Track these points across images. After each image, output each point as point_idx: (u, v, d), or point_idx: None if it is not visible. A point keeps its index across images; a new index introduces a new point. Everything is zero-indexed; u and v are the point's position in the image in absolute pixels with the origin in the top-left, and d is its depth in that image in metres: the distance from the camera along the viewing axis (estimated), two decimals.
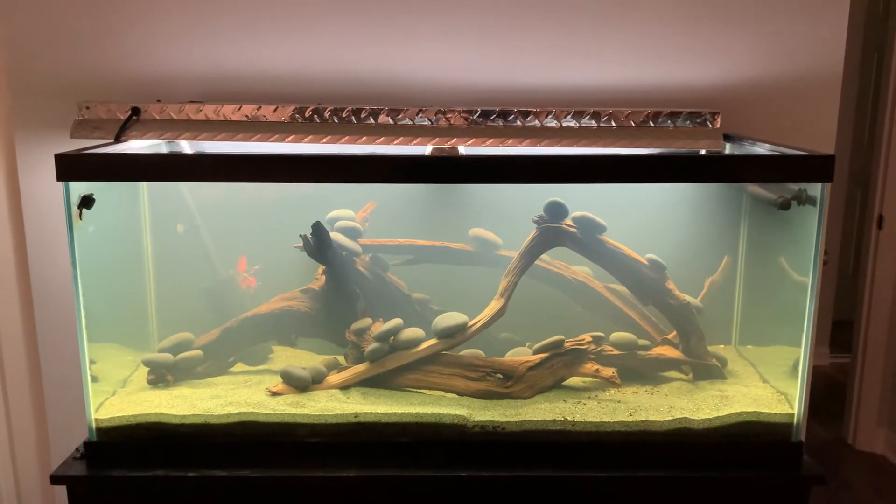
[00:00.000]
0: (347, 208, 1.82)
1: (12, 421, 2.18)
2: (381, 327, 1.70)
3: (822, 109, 1.95)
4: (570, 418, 1.59)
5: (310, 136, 1.69)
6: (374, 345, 1.68)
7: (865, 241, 3.36)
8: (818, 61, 1.93)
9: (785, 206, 1.58)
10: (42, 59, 1.89)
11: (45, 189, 1.94)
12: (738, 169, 1.55)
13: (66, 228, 1.50)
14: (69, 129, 1.71)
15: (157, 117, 1.71)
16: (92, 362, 1.59)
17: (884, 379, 3.31)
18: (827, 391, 3.92)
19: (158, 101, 1.77)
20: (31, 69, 1.89)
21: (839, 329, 4.25)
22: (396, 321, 1.69)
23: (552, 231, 1.71)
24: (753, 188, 1.78)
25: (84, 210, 1.51)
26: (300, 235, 1.72)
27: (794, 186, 1.56)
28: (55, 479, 1.56)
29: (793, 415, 1.59)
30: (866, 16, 4.14)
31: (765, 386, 1.72)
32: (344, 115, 1.70)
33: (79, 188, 1.50)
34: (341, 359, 1.77)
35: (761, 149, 1.67)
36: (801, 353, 1.57)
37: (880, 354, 3.30)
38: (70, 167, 1.47)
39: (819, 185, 1.49)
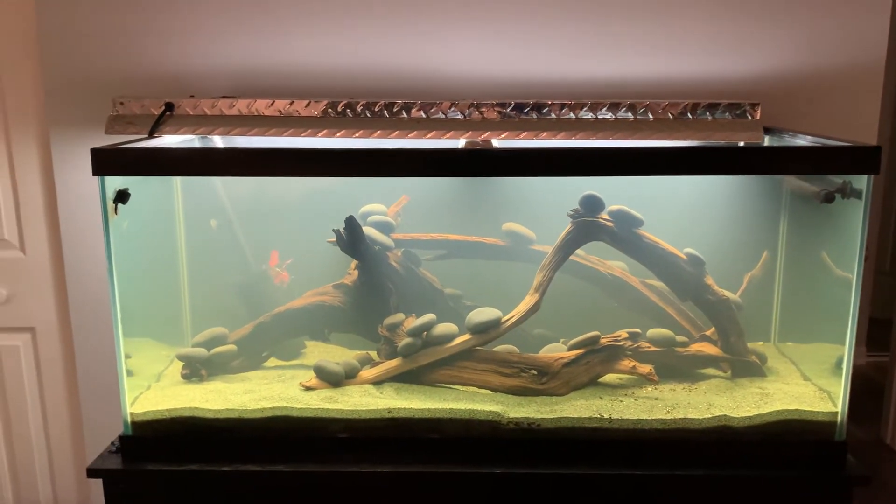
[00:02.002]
0: (380, 203, 1.81)
1: (48, 415, 2.20)
2: (413, 322, 1.69)
3: (864, 101, 1.90)
4: (606, 416, 1.57)
5: (342, 131, 1.68)
6: (407, 340, 1.67)
7: None
8: (860, 52, 1.88)
9: (829, 199, 1.54)
10: (76, 56, 1.90)
11: (79, 185, 1.96)
12: (784, 161, 1.51)
13: (100, 224, 1.50)
14: (103, 125, 1.71)
15: (191, 112, 1.71)
16: (127, 357, 1.59)
17: None
18: (864, 391, 3.83)
19: (192, 96, 1.77)
20: (66, 66, 1.91)
21: (876, 327, 4.16)
22: (429, 316, 1.68)
23: (588, 225, 1.69)
24: (793, 182, 1.74)
25: (119, 205, 1.51)
26: (333, 230, 1.71)
27: (838, 179, 1.52)
28: (91, 473, 1.57)
29: (836, 413, 1.55)
30: None
31: (806, 384, 1.68)
32: (376, 110, 1.69)
33: (114, 183, 1.50)
34: (374, 354, 1.76)
35: (803, 141, 1.63)
36: (845, 351, 1.53)
37: None
38: (106, 162, 1.47)
39: (864, 178, 1.44)
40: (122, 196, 1.51)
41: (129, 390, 1.60)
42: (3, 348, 2.15)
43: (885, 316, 3.55)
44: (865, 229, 1.47)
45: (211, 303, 1.88)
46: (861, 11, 1.85)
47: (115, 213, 1.51)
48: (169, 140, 1.71)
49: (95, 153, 1.46)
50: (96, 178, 1.48)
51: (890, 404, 3.35)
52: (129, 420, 1.60)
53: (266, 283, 1.85)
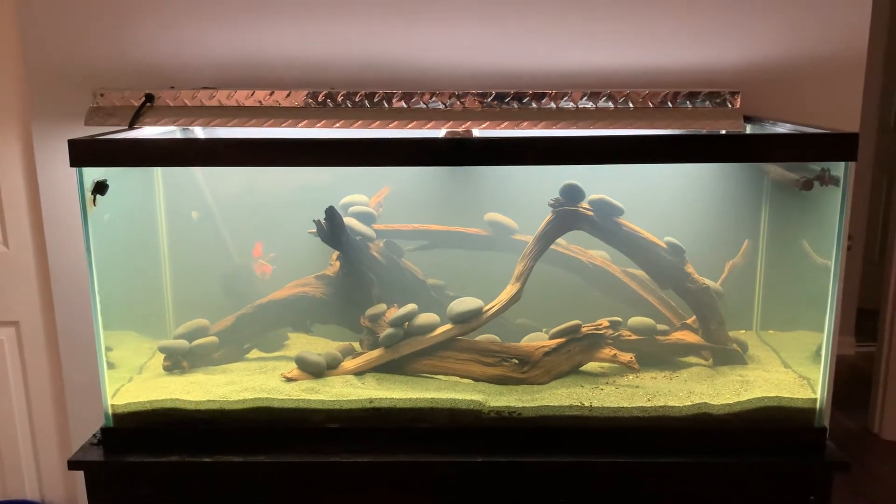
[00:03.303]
0: (362, 193, 1.81)
1: (33, 407, 2.20)
2: (395, 313, 1.69)
3: (846, 91, 1.90)
4: (587, 404, 1.57)
5: (323, 121, 1.68)
6: (388, 330, 1.67)
7: (891, 228, 3.30)
8: (842, 41, 1.88)
9: (807, 186, 1.55)
10: (57, 47, 1.89)
11: (61, 177, 1.95)
12: (760, 148, 1.51)
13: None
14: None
15: (171, 104, 1.71)
16: (108, 349, 1.59)
17: None
18: (853, 381, 3.85)
19: (172, 87, 1.76)
20: (47, 58, 1.90)
21: (865, 318, 4.18)
22: (411, 306, 1.68)
23: (568, 214, 1.69)
24: (774, 170, 1.75)
25: (98, 196, 1.51)
26: (314, 221, 1.71)
27: (817, 167, 1.52)
28: (72, 465, 1.57)
29: (815, 400, 1.56)
30: None
31: (787, 371, 1.68)
32: (357, 100, 1.69)
33: (93, 174, 1.50)
34: (356, 345, 1.76)
35: (782, 129, 1.64)
36: (825, 337, 1.53)
37: None
38: (83, 153, 1.47)
39: (842, 165, 1.45)
40: (100, 187, 1.50)
41: (111, 382, 1.60)
42: None
43: (874, 306, 3.55)
44: (844, 216, 1.48)
45: (193, 294, 1.88)
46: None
47: (94, 204, 1.50)
48: (149, 131, 1.71)
49: (73, 144, 1.45)
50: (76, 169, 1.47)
51: (877, 394, 3.37)
52: (110, 412, 1.59)
53: (248, 275, 1.84)
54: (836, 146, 1.44)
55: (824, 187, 1.51)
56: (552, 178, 1.70)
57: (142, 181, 1.80)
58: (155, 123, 1.69)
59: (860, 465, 3.11)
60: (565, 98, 1.68)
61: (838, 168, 1.46)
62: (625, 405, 1.57)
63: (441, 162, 1.63)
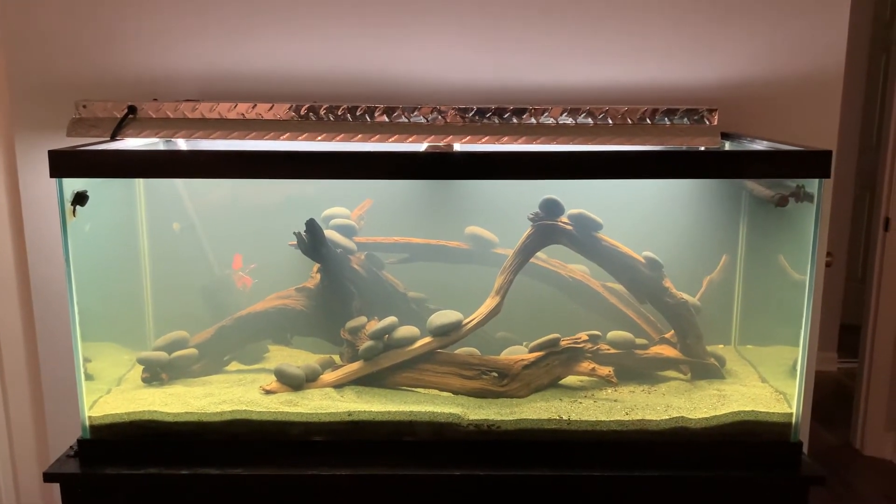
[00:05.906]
0: (343, 206, 1.81)
1: (11, 418, 2.18)
2: (375, 325, 1.69)
3: (824, 109, 1.93)
4: (565, 417, 1.58)
5: (305, 134, 1.69)
6: (368, 343, 1.67)
7: (873, 244, 3.33)
8: (819, 60, 1.91)
9: (782, 203, 1.57)
10: (41, 58, 1.90)
11: (44, 188, 1.95)
12: (736, 164, 1.54)
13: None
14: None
15: (154, 116, 1.71)
16: (87, 360, 1.58)
17: (892, 383, 3.26)
18: (835, 396, 3.87)
19: (155, 99, 1.77)
20: (31, 69, 1.90)
21: (848, 334, 4.20)
22: (391, 319, 1.68)
23: (548, 228, 1.70)
24: (752, 186, 1.77)
25: (78, 207, 1.51)
26: (294, 233, 1.71)
27: (792, 183, 1.54)
28: (48, 477, 1.56)
29: (791, 414, 1.57)
30: (874, 17, 4.11)
31: (764, 385, 1.70)
32: (339, 113, 1.70)
33: (73, 185, 1.50)
34: (336, 357, 1.76)
35: (759, 146, 1.66)
36: (800, 352, 1.55)
37: (888, 358, 3.25)
38: (63, 164, 1.47)
39: (816, 182, 1.47)
40: (79, 198, 1.50)
41: (89, 394, 1.59)
42: None
43: (857, 322, 3.58)
44: (819, 233, 1.49)
45: (173, 306, 1.87)
46: (820, 18, 1.88)
47: (73, 215, 1.50)
48: (131, 143, 1.71)
49: (53, 155, 1.45)
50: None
51: (859, 410, 3.39)
52: (87, 424, 1.59)
53: (229, 287, 1.84)
54: (810, 163, 1.47)
55: (799, 204, 1.53)
56: (532, 192, 1.71)
57: (123, 192, 1.80)
58: (137, 135, 1.70)
59: (841, 481, 3.12)
60: (545, 114, 1.69)
61: (812, 185, 1.48)
62: (603, 419, 1.57)
63: (422, 175, 1.64)
